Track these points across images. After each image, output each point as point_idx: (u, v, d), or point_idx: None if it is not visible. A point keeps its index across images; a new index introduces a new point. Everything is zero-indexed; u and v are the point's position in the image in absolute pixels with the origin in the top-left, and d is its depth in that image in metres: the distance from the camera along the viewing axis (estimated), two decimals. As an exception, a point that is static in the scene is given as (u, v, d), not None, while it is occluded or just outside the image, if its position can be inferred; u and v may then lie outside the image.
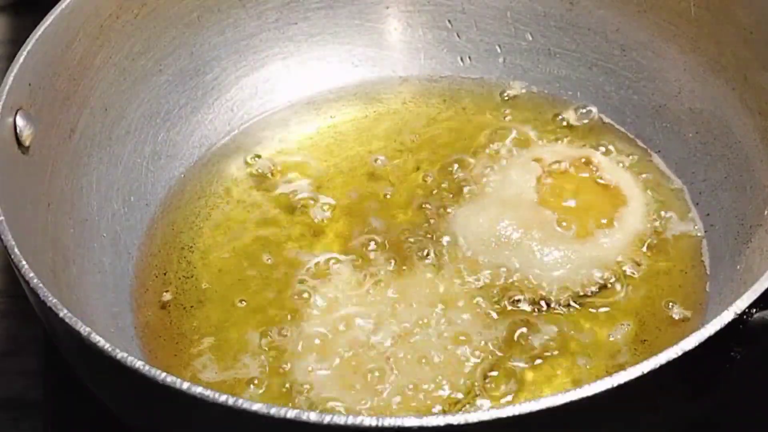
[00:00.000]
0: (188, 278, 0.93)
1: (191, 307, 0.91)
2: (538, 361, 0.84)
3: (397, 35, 1.11)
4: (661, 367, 0.64)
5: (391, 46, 1.11)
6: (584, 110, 1.04)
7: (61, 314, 0.70)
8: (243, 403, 0.63)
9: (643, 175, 0.97)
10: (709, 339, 0.66)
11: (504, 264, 0.89)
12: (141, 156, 1.00)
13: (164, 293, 0.92)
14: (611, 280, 0.89)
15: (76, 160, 0.93)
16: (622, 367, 0.79)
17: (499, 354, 0.84)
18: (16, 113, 0.84)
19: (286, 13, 1.08)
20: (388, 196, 0.97)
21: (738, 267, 0.86)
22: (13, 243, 0.75)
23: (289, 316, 0.87)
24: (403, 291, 0.88)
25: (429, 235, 0.93)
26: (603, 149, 0.99)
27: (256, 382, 0.84)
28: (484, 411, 0.62)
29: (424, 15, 1.10)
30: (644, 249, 0.91)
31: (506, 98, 1.06)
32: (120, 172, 0.97)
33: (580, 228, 0.90)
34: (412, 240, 0.93)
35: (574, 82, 1.06)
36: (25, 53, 0.87)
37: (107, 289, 0.90)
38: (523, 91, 1.06)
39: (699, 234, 0.92)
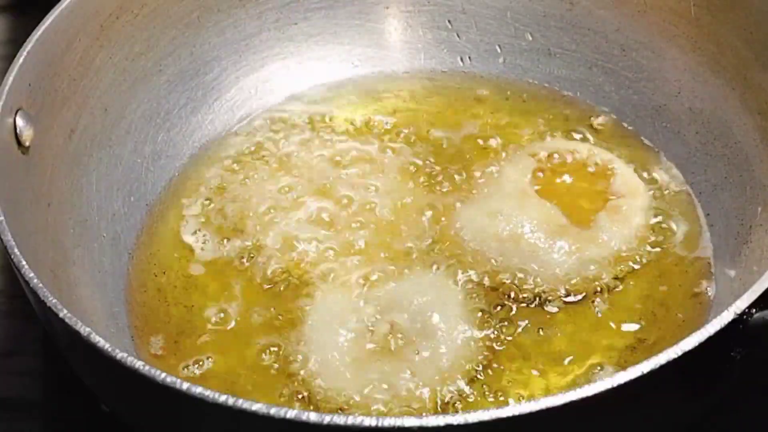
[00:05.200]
0: (188, 278, 0.93)
1: (192, 306, 0.91)
2: (537, 359, 0.84)
3: (397, 35, 1.11)
4: (661, 367, 0.64)
5: (391, 46, 1.11)
6: (586, 107, 1.04)
7: (61, 314, 0.70)
8: (243, 403, 0.63)
9: (644, 174, 0.97)
10: (709, 339, 0.66)
11: (504, 261, 0.89)
12: (141, 156, 1.00)
13: (164, 293, 0.92)
14: (611, 279, 0.89)
15: (76, 160, 0.93)
16: (622, 367, 0.79)
17: (498, 350, 0.84)
18: (16, 113, 0.84)
19: (286, 13, 1.08)
20: (389, 195, 0.97)
21: (738, 267, 0.87)
22: (13, 243, 0.75)
23: (290, 313, 0.88)
24: (403, 287, 0.88)
25: (429, 232, 0.93)
26: (605, 145, 0.99)
27: (257, 378, 0.84)
28: (484, 411, 0.62)
29: (424, 15, 1.10)
30: (644, 248, 0.91)
31: (507, 97, 1.06)
32: (120, 172, 0.97)
33: (580, 225, 0.91)
34: (412, 237, 0.93)
35: (574, 82, 1.06)
36: (25, 53, 0.87)
37: (107, 289, 0.90)
38: (524, 89, 1.07)
39: (699, 234, 0.92)
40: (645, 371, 0.64)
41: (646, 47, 1.03)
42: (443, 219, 0.94)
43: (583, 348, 0.85)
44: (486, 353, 0.84)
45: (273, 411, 0.63)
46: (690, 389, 0.71)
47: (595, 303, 0.87)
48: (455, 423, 0.62)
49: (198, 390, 0.64)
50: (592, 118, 1.03)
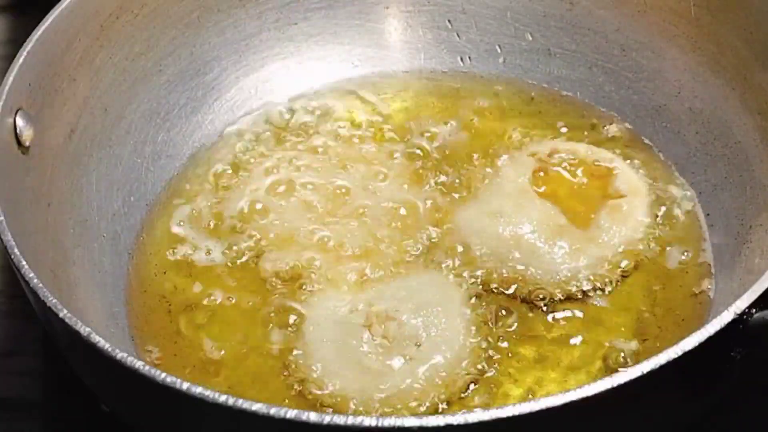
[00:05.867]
0: (188, 278, 0.93)
1: (191, 305, 0.90)
2: (537, 359, 0.84)
3: (397, 35, 1.11)
4: (661, 367, 0.64)
5: (391, 46, 1.11)
6: (587, 106, 1.04)
7: (61, 314, 0.70)
8: (243, 403, 0.63)
9: (644, 174, 0.97)
10: (709, 339, 0.66)
11: (504, 261, 0.89)
12: (141, 156, 1.00)
13: (164, 293, 0.92)
14: (611, 278, 0.89)
15: (76, 160, 0.93)
16: (622, 367, 0.79)
17: (497, 350, 0.84)
18: (16, 113, 0.84)
19: (286, 13, 1.08)
20: (388, 195, 0.97)
21: (738, 267, 0.87)
22: (13, 243, 0.75)
23: (290, 312, 0.88)
24: (403, 287, 0.88)
25: (429, 232, 0.93)
26: (606, 145, 0.99)
27: (257, 377, 0.84)
28: (484, 411, 0.62)
29: (424, 15, 1.10)
30: (643, 247, 0.91)
31: (507, 97, 1.06)
32: (120, 172, 0.97)
33: (580, 225, 0.90)
34: (412, 237, 0.93)
35: (574, 82, 1.06)
36: (25, 53, 0.87)
37: (107, 289, 0.90)
38: (524, 89, 1.07)
39: (699, 233, 0.92)
40: (645, 371, 0.64)
41: (646, 47, 1.03)
42: (443, 219, 0.94)
43: (583, 347, 0.85)
44: (486, 353, 0.84)
45: (273, 411, 0.63)
46: (690, 389, 0.71)
47: (595, 302, 0.87)
48: (455, 423, 0.62)
49: (198, 390, 0.64)
50: (593, 115, 1.03)
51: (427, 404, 0.80)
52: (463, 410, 0.79)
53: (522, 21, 1.08)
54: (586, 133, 1.02)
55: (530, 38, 1.08)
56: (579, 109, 1.04)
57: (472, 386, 0.82)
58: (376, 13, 1.10)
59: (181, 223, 0.97)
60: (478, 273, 0.89)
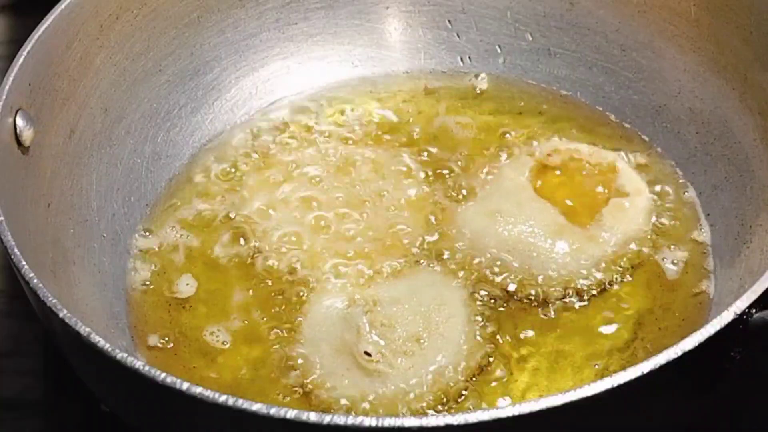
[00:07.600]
0: (188, 277, 0.93)
1: (191, 306, 0.90)
2: (536, 358, 0.84)
3: (397, 35, 1.11)
4: (661, 367, 0.64)
5: (391, 46, 1.11)
6: (587, 107, 1.04)
7: (61, 314, 0.70)
8: (243, 404, 0.63)
9: (644, 173, 0.97)
10: (709, 339, 0.66)
11: (504, 261, 0.89)
12: (141, 156, 1.00)
13: (164, 293, 0.92)
14: (611, 278, 0.89)
15: (76, 160, 0.93)
16: (621, 367, 0.79)
17: (497, 350, 0.84)
18: (16, 113, 0.84)
19: (286, 13, 1.08)
20: (388, 195, 0.97)
21: (738, 267, 0.87)
22: (13, 243, 0.75)
23: (290, 312, 0.88)
24: (402, 287, 0.88)
25: (429, 232, 0.93)
26: (603, 144, 0.99)
27: (257, 377, 0.84)
28: (484, 411, 0.62)
29: (424, 15, 1.10)
30: (643, 247, 0.91)
31: (507, 97, 1.06)
32: (120, 172, 0.97)
33: (581, 225, 0.90)
34: (412, 237, 0.93)
35: (574, 82, 1.06)
36: (25, 53, 0.87)
37: (107, 289, 0.90)
38: (524, 89, 1.07)
39: (699, 234, 0.92)
40: (645, 371, 0.64)
41: (646, 47, 1.03)
42: (443, 219, 0.94)
43: (583, 347, 0.85)
44: (486, 353, 0.84)
45: (273, 411, 0.63)
46: (690, 389, 0.71)
47: (595, 302, 0.87)
48: (455, 423, 0.62)
49: (198, 390, 0.64)
50: (591, 115, 1.03)
51: (427, 403, 0.80)
52: (463, 410, 0.80)
53: (522, 21, 1.08)
54: (585, 132, 1.02)
55: (530, 38, 1.08)
56: (579, 109, 1.04)
57: (471, 385, 0.82)
58: (376, 13, 1.10)
59: (181, 224, 0.97)
60: (478, 273, 0.89)
